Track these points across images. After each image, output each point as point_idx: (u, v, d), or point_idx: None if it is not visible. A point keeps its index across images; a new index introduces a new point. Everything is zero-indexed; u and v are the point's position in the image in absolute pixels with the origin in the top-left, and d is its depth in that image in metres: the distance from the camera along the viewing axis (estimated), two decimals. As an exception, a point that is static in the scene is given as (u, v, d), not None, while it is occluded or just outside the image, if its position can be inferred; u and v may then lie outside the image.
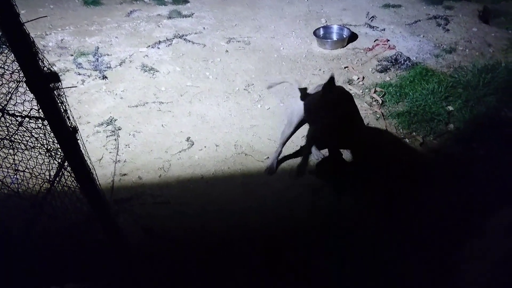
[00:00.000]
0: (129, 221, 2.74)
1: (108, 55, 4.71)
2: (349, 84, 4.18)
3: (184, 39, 5.04)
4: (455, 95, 3.86)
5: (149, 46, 4.89)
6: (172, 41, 5.00)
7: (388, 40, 4.89)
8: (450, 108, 3.72)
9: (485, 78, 3.96)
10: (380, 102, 3.86)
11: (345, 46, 4.85)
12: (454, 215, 2.77)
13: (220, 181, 3.15)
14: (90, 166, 1.83)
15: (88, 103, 3.95)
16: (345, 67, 4.46)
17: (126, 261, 2.24)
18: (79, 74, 4.36)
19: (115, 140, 3.51)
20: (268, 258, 2.56)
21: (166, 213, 2.83)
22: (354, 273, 2.46)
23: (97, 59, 4.62)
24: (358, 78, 4.26)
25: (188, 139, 3.53)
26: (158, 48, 4.86)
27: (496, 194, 2.80)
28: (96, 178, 1.90)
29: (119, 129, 3.63)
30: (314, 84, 3.91)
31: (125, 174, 3.19)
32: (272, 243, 2.65)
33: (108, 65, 4.51)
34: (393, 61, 4.48)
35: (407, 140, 3.46)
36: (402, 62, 4.46)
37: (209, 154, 3.38)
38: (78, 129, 1.68)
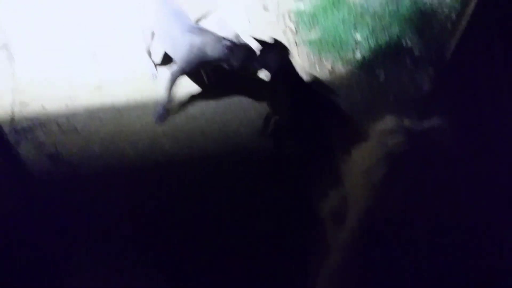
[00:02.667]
0: (33, 149, 2.61)
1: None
2: (265, 10, 4.14)
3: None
4: (363, 24, 4.02)
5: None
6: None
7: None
8: (358, 36, 3.89)
9: (391, 8, 4.16)
10: (294, 30, 3.91)
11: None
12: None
13: (132, 108, 3.07)
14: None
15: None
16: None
17: (28, 188, 2.17)
18: None
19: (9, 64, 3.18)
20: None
21: (73, 142, 2.73)
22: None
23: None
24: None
25: (94, 56, 3.26)
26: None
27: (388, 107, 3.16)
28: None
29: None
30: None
31: (26, 104, 2.96)
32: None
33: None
34: (308, -13, 4.47)
35: (317, 66, 3.61)
36: (316, -11, 4.46)
37: (120, 77, 3.21)
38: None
